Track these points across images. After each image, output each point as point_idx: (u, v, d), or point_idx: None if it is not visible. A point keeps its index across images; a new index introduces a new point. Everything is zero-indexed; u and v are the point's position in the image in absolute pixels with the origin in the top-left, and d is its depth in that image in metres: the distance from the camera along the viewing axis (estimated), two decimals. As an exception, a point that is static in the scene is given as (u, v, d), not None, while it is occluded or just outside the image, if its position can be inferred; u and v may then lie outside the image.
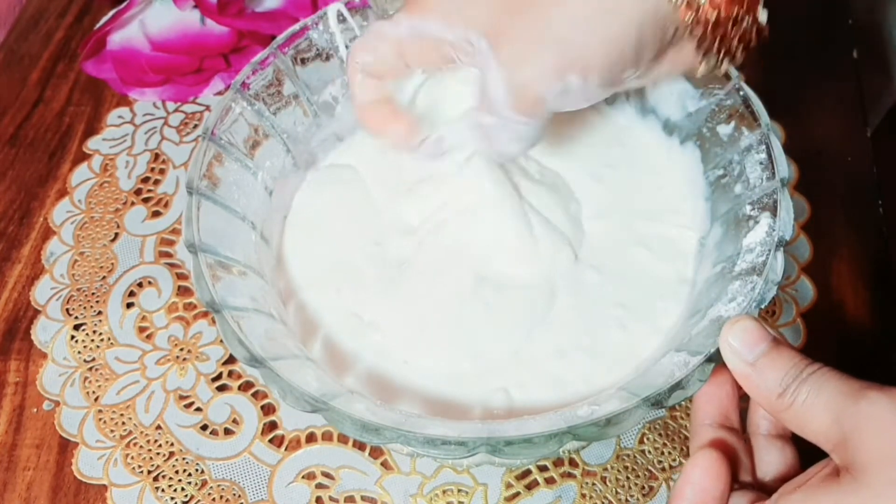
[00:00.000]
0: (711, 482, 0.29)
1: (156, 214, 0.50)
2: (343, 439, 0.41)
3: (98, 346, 0.44)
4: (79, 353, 0.44)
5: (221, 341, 0.44)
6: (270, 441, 0.41)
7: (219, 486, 0.40)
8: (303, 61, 0.41)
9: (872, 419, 0.24)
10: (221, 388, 0.43)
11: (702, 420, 0.32)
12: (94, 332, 0.45)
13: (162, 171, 0.52)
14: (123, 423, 0.42)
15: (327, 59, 0.42)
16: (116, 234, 0.49)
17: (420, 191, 0.42)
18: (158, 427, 0.42)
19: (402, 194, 0.42)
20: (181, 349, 0.44)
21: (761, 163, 0.35)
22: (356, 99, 0.37)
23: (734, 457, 0.31)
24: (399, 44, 0.34)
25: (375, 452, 0.40)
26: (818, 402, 0.26)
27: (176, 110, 0.55)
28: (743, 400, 0.31)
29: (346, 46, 0.42)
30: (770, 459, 0.31)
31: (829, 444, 0.26)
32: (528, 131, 0.33)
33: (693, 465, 0.29)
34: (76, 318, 0.45)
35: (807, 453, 0.31)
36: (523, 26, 0.31)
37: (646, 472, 0.40)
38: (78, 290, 0.47)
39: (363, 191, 0.42)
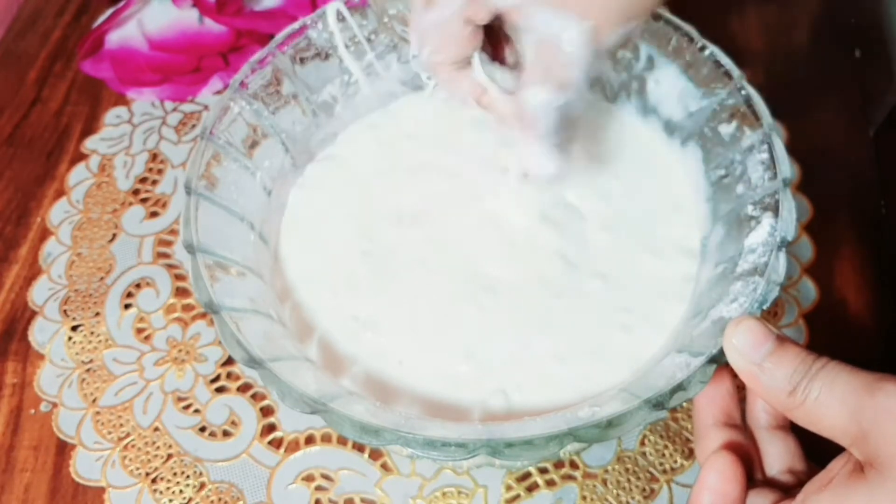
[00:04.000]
0: (729, 485, 0.28)
1: (154, 215, 0.50)
2: (342, 441, 0.41)
3: (96, 348, 0.44)
4: (76, 354, 0.44)
5: (220, 342, 0.43)
6: (269, 443, 0.41)
7: (217, 487, 0.40)
8: (302, 60, 0.41)
9: (892, 412, 0.24)
10: (220, 390, 0.43)
11: (705, 421, 0.32)
12: (92, 333, 0.45)
13: (160, 171, 0.52)
14: (121, 425, 0.41)
15: (326, 58, 0.42)
16: (114, 235, 0.49)
17: (415, 178, 0.42)
18: (157, 429, 0.41)
19: (399, 180, 0.42)
20: (179, 350, 0.44)
21: (763, 162, 0.35)
22: (455, 91, 0.38)
23: (747, 457, 0.30)
24: (462, 13, 0.34)
25: (375, 454, 0.40)
26: (832, 397, 0.26)
27: (174, 110, 0.55)
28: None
29: (346, 45, 0.42)
30: (774, 451, 0.31)
31: (848, 439, 0.26)
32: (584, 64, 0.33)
33: (709, 470, 0.29)
34: (74, 318, 0.45)
35: (807, 442, 0.31)
36: None
37: (647, 474, 0.39)
38: (75, 290, 0.46)
39: (357, 187, 0.42)
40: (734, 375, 0.29)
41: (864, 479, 0.25)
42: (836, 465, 0.27)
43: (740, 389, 0.32)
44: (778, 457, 0.31)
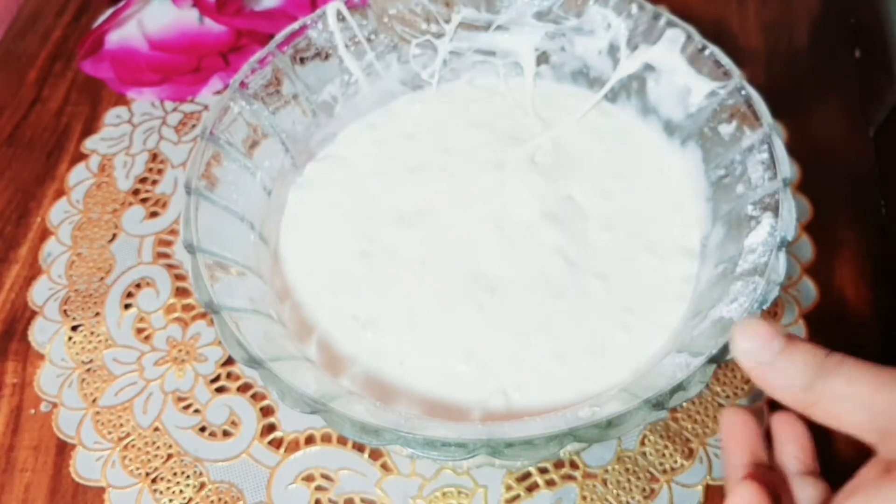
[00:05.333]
0: None
1: (154, 215, 0.50)
2: (342, 441, 0.41)
3: (96, 348, 0.44)
4: (76, 354, 0.44)
5: (220, 342, 0.43)
6: (269, 443, 0.41)
7: (217, 487, 0.40)
8: (302, 60, 0.41)
9: None
10: (220, 390, 0.43)
11: (733, 462, 0.31)
12: (92, 333, 0.45)
13: (160, 171, 0.52)
14: (121, 425, 0.41)
15: (326, 58, 0.42)
16: (114, 235, 0.49)
17: (415, 177, 0.42)
18: (157, 429, 0.41)
19: (398, 180, 0.42)
20: (179, 350, 0.44)
21: (763, 162, 0.35)
22: None
23: (773, 488, 0.30)
24: None
25: (375, 454, 0.40)
26: (850, 393, 0.25)
27: (174, 110, 0.55)
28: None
29: (346, 45, 0.42)
30: (805, 496, 0.30)
31: (873, 436, 0.25)
32: None
33: (734, 497, 0.28)
34: (74, 318, 0.45)
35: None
36: None
37: (647, 474, 0.39)
38: (75, 290, 0.46)
39: (357, 186, 0.42)
40: (760, 420, 0.28)
41: (894, 479, 0.24)
42: (865, 472, 0.26)
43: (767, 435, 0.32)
44: (809, 501, 0.30)
